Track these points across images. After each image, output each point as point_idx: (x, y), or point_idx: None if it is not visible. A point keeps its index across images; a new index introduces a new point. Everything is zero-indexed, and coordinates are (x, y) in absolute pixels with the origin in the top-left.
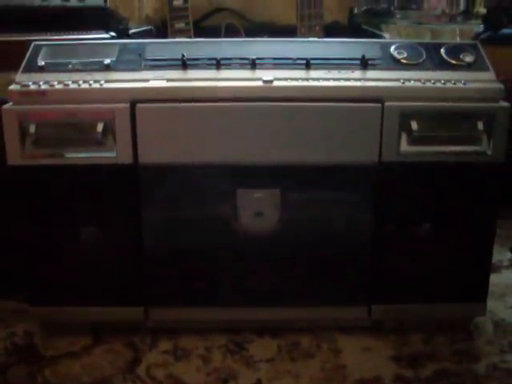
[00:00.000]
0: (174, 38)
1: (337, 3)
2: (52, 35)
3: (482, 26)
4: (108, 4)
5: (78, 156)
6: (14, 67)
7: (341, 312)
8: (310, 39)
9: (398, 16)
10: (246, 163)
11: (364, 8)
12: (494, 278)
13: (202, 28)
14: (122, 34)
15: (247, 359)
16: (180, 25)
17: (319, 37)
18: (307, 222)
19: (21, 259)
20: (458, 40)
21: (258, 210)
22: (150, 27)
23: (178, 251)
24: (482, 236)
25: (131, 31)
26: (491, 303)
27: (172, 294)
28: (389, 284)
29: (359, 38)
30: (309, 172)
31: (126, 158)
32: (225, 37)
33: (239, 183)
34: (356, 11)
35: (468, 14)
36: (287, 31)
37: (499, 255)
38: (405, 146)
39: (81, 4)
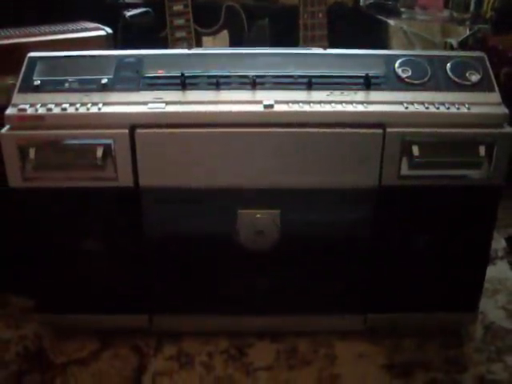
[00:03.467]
0: (172, 20)
1: None
2: (43, 31)
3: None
4: None
5: (78, 179)
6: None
7: (338, 320)
8: (313, 51)
9: (404, 16)
10: (246, 187)
11: (370, 1)
12: (487, 271)
13: (201, 8)
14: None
15: (247, 366)
16: (178, 7)
17: (323, 24)
18: (307, 239)
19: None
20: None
21: (259, 229)
22: (147, 9)
23: (180, 264)
24: (478, 252)
25: (128, 14)
26: (483, 301)
27: (175, 303)
28: (384, 294)
29: (363, 24)
30: (309, 194)
31: (127, 182)
32: (224, 19)
33: (240, 204)
34: (362, 3)
35: (477, 18)
36: (289, 15)
37: (495, 243)
38: (405, 170)
39: None
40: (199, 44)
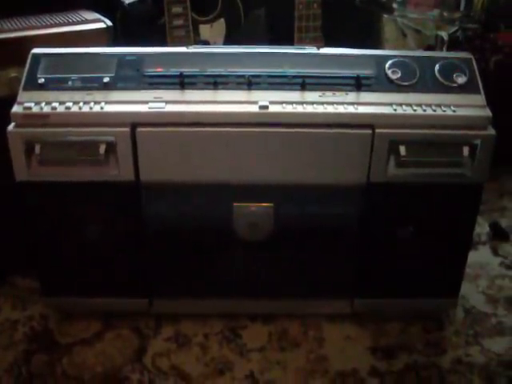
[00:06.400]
0: (169, 8)
1: None
2: (44, 22)
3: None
4: None
5: (82, 173)
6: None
7: (326, 304)
8: (307, 51)
9: (396, 13)
10: (242, 182)
11: None
12: (470, 256)
13: None
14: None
15: (241, 348)
16: None
17: (317, 14)
18: (298, 230)
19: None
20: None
21: (253, 220)
22: None
23: (178, 252)
24: (460, 244)
25: (127, 2)
26: (464, 286)
27: (173, 288)
28: (370, 281)
29: (357, 14)
30: (301, 189)
31: (128, 176)
32: (221, 8)
33: (235, 198)
34: None
35: (467, 18)
36: (285, 4)
37: (478, 227)
38: (392, 169)
39: None
40: (196, 32)
